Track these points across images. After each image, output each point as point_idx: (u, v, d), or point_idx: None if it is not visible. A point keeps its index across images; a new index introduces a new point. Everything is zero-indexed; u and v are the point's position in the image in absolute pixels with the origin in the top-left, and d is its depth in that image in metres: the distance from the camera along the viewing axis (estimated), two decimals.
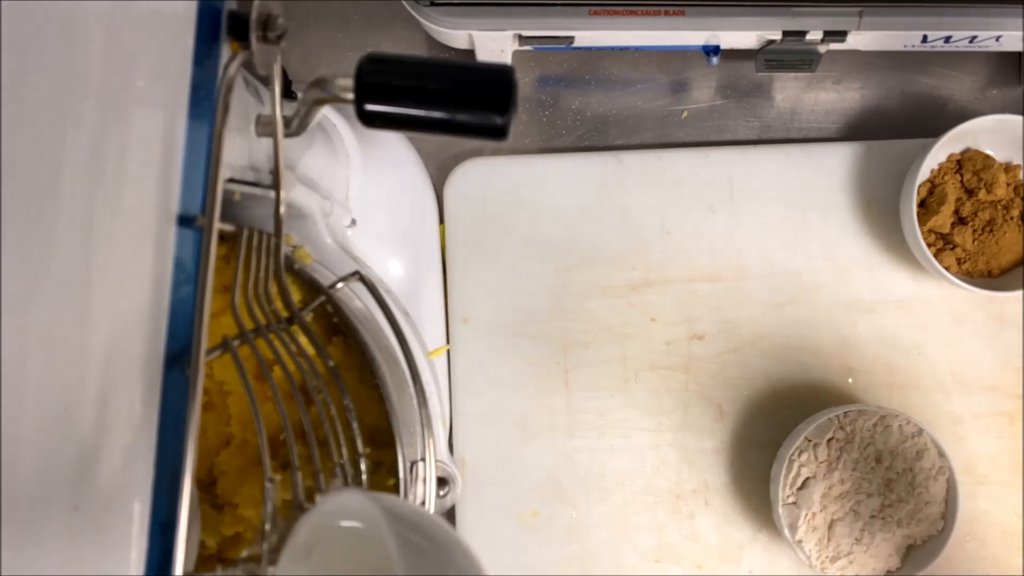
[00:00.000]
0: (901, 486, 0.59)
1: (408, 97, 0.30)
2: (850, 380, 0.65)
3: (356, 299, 0.45)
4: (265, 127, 0.37)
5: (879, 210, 0.66)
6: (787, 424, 0.63)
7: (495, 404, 0.65)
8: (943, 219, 0.63)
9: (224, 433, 0.44)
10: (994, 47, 0.61)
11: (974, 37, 0.59)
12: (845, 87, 0.69)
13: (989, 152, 0.64)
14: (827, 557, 0.60)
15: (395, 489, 0.41)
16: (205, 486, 0.44)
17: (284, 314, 0.38)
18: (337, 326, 0.45)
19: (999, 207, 0.63)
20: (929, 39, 0.60)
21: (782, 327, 0.66)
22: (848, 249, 0.66)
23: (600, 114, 0.68)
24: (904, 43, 0.61)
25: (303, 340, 0.38)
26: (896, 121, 0.69)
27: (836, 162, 0.67)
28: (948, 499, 0.60)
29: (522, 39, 0.60)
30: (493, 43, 0.60)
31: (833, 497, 0.60)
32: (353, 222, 0.56)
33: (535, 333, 0.65)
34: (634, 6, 0.57)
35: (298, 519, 0.30)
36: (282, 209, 0.36)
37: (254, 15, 0.31)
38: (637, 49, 0.66)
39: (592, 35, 0.60)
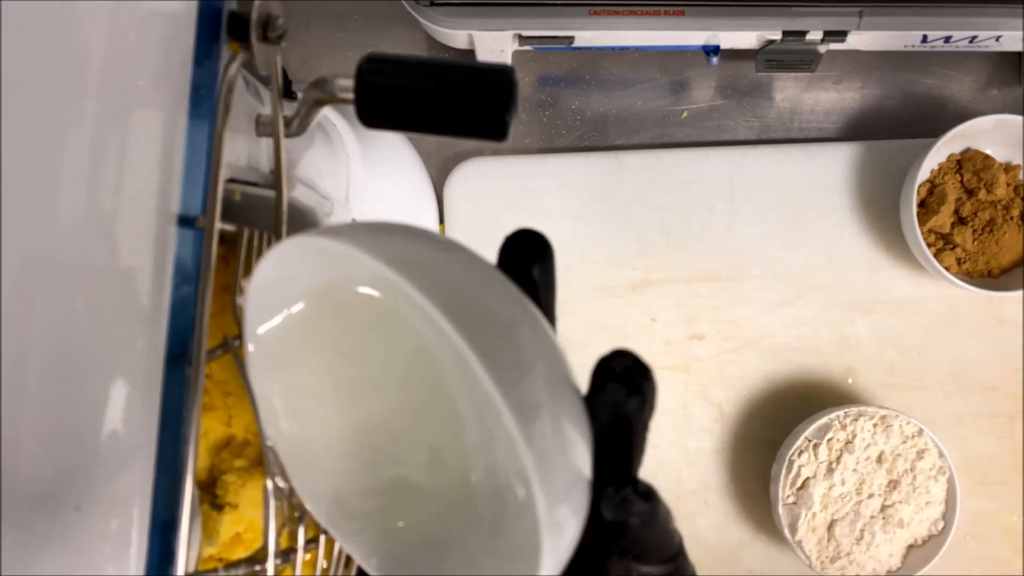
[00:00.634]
0: (901, 486, 0.59)
1: (408, 97, 0.30)
2: (850, 380, 0.65)
3: None
4: (265, 127, 0.37)
5: (879, 210, 0.66)
6: (787, 424, 0.63)
7: None
8: (943, 219, 0.63)
9: (224, 433, 0.44)
10: (994, 47, 0.61)
11: (974, 37, 0.59)
12: (845, 87, 0.69)
13: (989, 152, 0.64)
14: (827, 557, 0.60)
15: None
16: (205, 486, 0.44)
17: None
18: None
19: (999, 207, 0.63)
20: (929, 39, 0.60)
21: (782, 327, 0.66)
22: (848, 249, 0.66)
23: (600, 114, 0.68)
24: (904, 43, 0.61)
25: None
26: (896, 121, 0.69)
27: (836, 162, 0.67)
28: (948, 499, 0.60)
29: (522, 39, 0.60)
30: (493, 43, 0.60)
31: (833, 497, 0.60)
32: (353, 222, 0.56)
33: None
34: (634, 6, 0.57)
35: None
36: (282, 209, 0.36)
37: (254, 15, 0.31)
38: (637, 49, 0.66)
39: (592, 35, 0.60)
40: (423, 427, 0.29)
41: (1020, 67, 0.68)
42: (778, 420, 0.64)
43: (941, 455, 0.60)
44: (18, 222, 0.21)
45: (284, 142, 0.35)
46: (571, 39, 0.59)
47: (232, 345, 0.34)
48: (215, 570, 0.32)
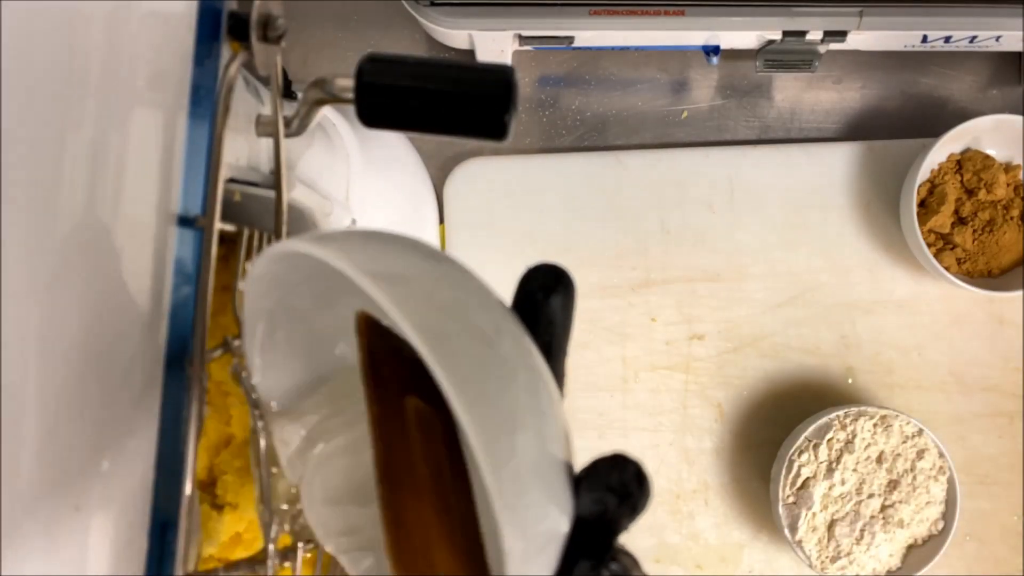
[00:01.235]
0: (901, 486, 0.59)
1: (408, 97, 0.30)
2: (850, 380, 0.65)
3: None
4: (265, 127, 0.37)
5: (879, 210, 0.66)
6: (787, 424, 0.63)
7: None
8: (943, 219, 0.63)
9: (224, 433, 0.44)
10: (994, 47, 0.61)
11: (974, 37, 0.59)
12: (845, 87, 0.69)
13: (989, 152, 0.64)
14: (827, 557, 0.60)
15: None
16: (205, 486, 0.44)
17: None
18: None
19: (999, 207, 0.63)
20: (929, 39, 0.60)
21: (782, 327, 0.66)
22: (848, 249, 0.66)
23: (600, 114, 0.68)
24: (904, 43, 0.61)
25: None
26: (896, 121, 0.69)
27: (836, 162, 0.67)
28: (948, 499, 0.60)
29: (522, 39, 0.60)
30: (493, 43, 0.60)
31: (833, 497, 0.60)
32: (353, 222, 0.56)
33: None
34: (634, 6, 0.57)
35: None
36: (282, 209, 0.36)
37: (254, 15, 0.31)
38: (637, 49, 0.66)
39: (592, 35, 0.60)
40: None
41: (1020, 67, 0.68)
42: (778, 420, 0.64)
43: (941, 455, 0.60)
44: (18, 222, 0.21)
45: (284, 142, 0.35)
46: (571, 39, 0.59)
47: (232, 345, 0.34)
48: (215, 570, 0.32)
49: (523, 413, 0.23)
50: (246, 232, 0.38)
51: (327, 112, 0.55)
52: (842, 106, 0.69)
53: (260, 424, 0.30)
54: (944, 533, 0.59)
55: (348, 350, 0.31)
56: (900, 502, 0.59)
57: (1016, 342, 0.65)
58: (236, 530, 0.43)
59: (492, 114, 0.30)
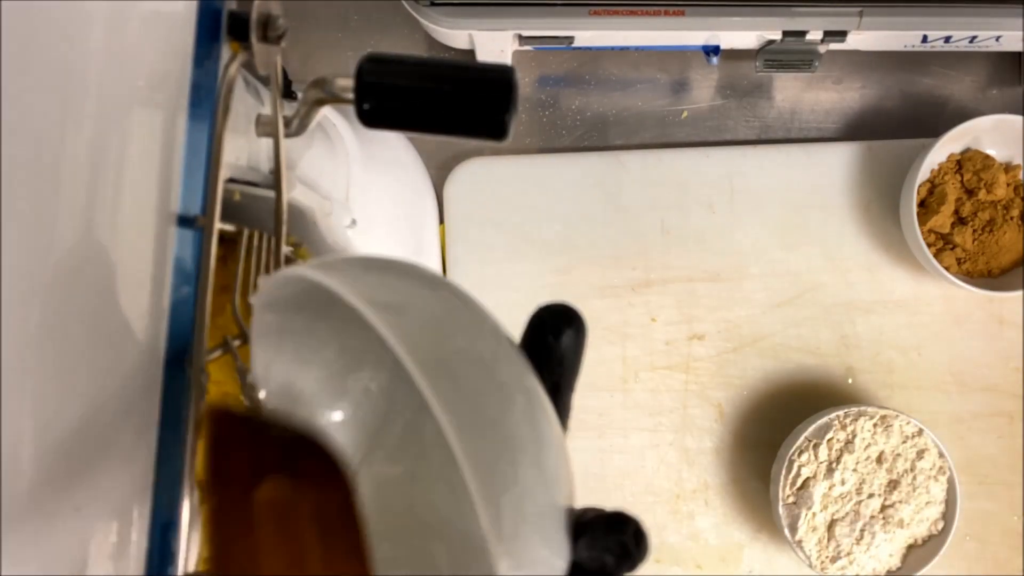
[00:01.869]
0: (901, 486, 0.59)
1: (408, 97, 0.30)
2: (850, 380, 0.65)
3: None
4: (265, 127, 0.37)
5: (879, 210, 0.66)
6: (787, 424, 0.63)
7: None
8: (943, 219, 0.63)
9: None
10: (994, 47, 0.61)
11: (974, 37, 0.59)
12: (845, 87, 0.69)
13: (989, 152, 0.64)
14: (827, 557, 0.60)
15: None
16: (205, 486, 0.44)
17: None
18: None
19: (999, 207, 0.63)
20: (929, 39, 0.60)
21: (782, 327, 0.66)
22: (848, 249, 0.66)
23: (600, 114, 0.68)
24: (904, 43, 0.61)
25: None
26: (896, 121, 0.69)
27: (836, 162, 0.67)
28: (948, 499, 0.60)
29: (522, 39, 0.60)
30: (493, 43, 0.60)
31: (833, 497, 0.60)
32: (353, 222, 0.56)
33: None
34: (634, 6, 0.57)
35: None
36: (282, 209, 0.36)
37: (254, 15, 0.31)
38: (637, 49, 0.66)
39: (592, 35, 0.60)
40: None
41: (1020, 67, 0.68)
42: (778, 420, 0.64)
43: (941, 455, 0.60)
44: (18, 222, 0.21)
45: (284, 142, 0.35)
46: (571, 39, 0.59)
47: (232, 345, 0.34)
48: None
49: (521, 442, 0.23)
50: (246, 232, 0.38)
51: (327, 112, 0.55)
52: (842, 106, 0.69)
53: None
54: (944, 533, 0.59)
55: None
56: (900, 502, 0.59)
57: (1016, 342, 0.65)
58: None
59: (492, 114, 0.30)
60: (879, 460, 0.60)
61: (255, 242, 0.38)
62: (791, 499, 0.60)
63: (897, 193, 0.65)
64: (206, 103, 0.30)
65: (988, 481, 0.64)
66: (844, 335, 0.66)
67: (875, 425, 0.60)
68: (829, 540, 0.60)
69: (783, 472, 0.60)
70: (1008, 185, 0.63)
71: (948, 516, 0.59)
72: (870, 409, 0.60)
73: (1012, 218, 0.63)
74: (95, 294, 0.25)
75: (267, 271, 0.37)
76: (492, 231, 0.66)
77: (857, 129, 0.69)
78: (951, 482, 0.59)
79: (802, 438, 0.60)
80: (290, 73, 0.49)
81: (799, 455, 0.60)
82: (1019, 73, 0.68)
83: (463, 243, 0.66)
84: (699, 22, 0.58)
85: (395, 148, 0.64)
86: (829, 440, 0.60)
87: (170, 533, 0.28)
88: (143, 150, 0.27)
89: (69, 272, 0.23)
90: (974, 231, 0.63)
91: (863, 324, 0.66)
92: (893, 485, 0.60)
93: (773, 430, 0.64)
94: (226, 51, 0.32)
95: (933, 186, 0.64)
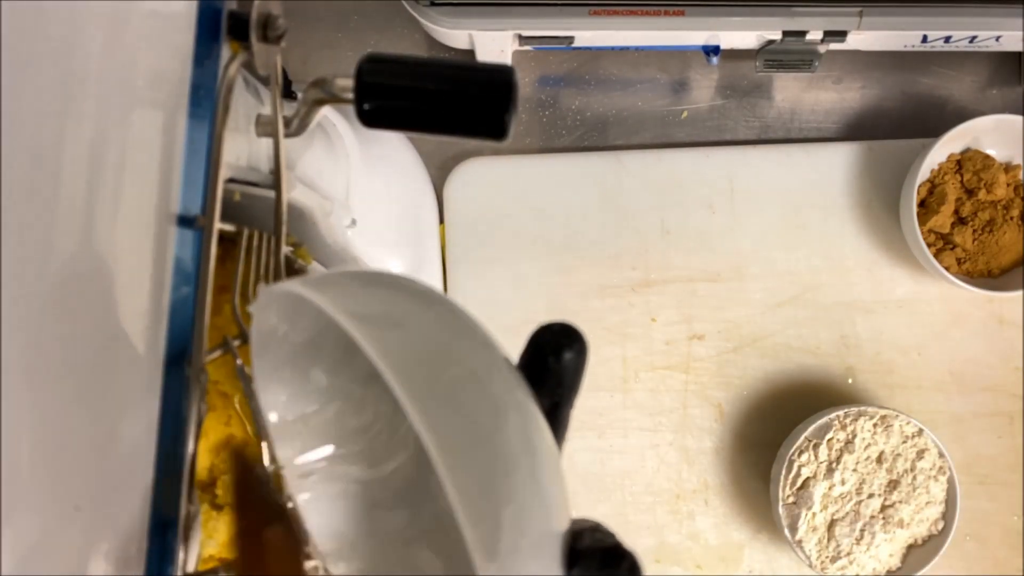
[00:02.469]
0: (901, 486, 0.59)
1: (408, 97, 0.30)
2: (850, 380, 0.65)
3: None
4: (265, 127, 0.37)
5: (879, 210, 0.66)
6: (787, 424, 0.63)
7: None
8: (943, 219, 0.63)
9: (224, 433, 0.44)
10: (994, 47, 0.61)
11: (974, 37, 0.59)
12: (845, 87, 0.69)
13: (989, 152, 0.64)
14: (827, 557, 0.60)
15: None
16: (205, 486, 0.44)
17: None
18: None
19: (999, 207, 0.63)
20: (929, 39, 0.60)
21: (782, 327, 0.66)
22: (848, 249, 0.66)
23: (600, 114, 0.68)
24: (904, 43, 0.61)
25: None
26: (896, 121, 0.69)
27: (836, 162, 0.67)
28: (948, 499, 0.60)
29: (522, 39, 0.60)
30: (493, 43, 0.60)
31: (833, 497, 0.60)
32: (353, 222, 0.56)
33: None
34: (634, 6, 0.57)
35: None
36: (282, 209, 0.36)
37: (254, 15, 0.31)
38: (637, 49, 0.66)
39: (592, 35, 0.60)
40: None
41: (1020, 67, 0.68)
42: (778, 420, 0.64)
43: (941, 455, 0.60)
44: (18, 222, 0.21)
45: (284, 142, 0.35)
46: (571, 39, 0.59)
47: (232, 345, 0.34)
48: (215, 570, 0.32)
49: (514, 457, 0.23)
50: (246, 232, 0.38)
51: (327, 112, 0.55)
52: (842, 106, 0.69)
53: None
54: (944, 533, 0.59)
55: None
56: (900, 502, 0.59)
57: (1016, 342, 0.65)
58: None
59: (492, 114, 0.30)
60: (879, 460, 0.60)
61: (255, 242, 0.38)
62: (791, 499, 0.60)
63: (897, 193, 0.65)
64: (206, 103, 0.30)
65: (988, 481, 0.64)
66: (844, 335, 0.66)
67: (875, 425, 0.60)
68: (829, 540, 0.60)
69: (783, 472, 0.60)
70: (1008, 185, 0.63)
71: (948, 516, 0.59)
72: (870, 409, 0.60)
73: (1012, 218, 0.63)
74: (95, 294, 0.25)
75: (267, 271, 0.37)
76: (492, 231, 0.66)
77: (857, 129, 0.69)
78: (951, 482, 0.59)
79: (802, 438, 0.60)
80: (290, 73, 0.49)
81: (799, 455, 0.60)
82: (1019, 73, 0.68)
83: (463, 243, 0.66)
84: (699, 22, 0.58)
85: (395, 148, 0.64)
86: (829, 440, 0.60)
87: (170, 533, 0.28)
88: (143, 150, 0.27)
89: (69, 272, 0.23)
90: (974, 231, 0.63)
91: (863, 324, 0.66)
92: (893, 485, 0.60)
93: (773, 430, 0.64)
94: (226, 51, 0.32)
95: (933, 186, 0.64)
